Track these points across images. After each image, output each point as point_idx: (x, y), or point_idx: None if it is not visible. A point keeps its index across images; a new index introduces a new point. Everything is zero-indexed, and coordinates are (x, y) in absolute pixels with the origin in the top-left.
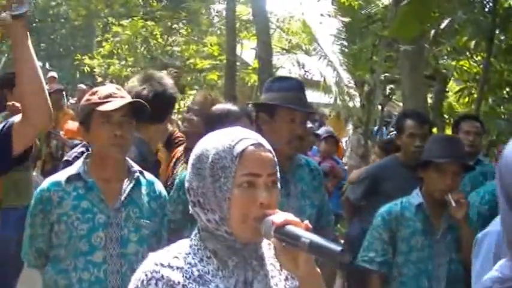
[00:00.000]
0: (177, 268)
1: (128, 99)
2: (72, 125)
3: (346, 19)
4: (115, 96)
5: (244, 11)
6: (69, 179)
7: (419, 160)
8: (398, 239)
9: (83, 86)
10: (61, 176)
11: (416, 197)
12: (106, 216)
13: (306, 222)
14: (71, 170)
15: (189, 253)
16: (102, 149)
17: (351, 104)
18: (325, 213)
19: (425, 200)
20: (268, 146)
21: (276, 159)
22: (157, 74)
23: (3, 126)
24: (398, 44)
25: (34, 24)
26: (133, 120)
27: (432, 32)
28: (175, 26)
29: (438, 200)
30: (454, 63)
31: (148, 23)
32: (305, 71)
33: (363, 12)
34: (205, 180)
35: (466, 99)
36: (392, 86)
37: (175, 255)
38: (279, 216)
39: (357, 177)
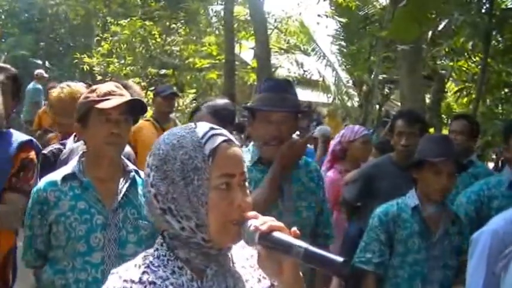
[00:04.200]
0: (149, 283)
1: (127, 97)
2: None
3: (344, 20)
4: (114, 94)
5: (242, 12)
6: (64, 179)
7: (412, 160)
8: (395, 241)
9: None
10: (56, 175)
11: (412, 199)
12: (104, 217)
13: (294, 228)
14: (66, 169)
15: (159, 265)
16: (97, 147)
17: (349, 104)
18: (324, 222)
19: (421, 202)
20: (236, 141)
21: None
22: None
23: None
24: (396, 44)
25: (33, 24)
26: (131, 119)
27: (430, 33)
28: (173, 26)
29: (434, 201)
30: (452, 63)
31: (147, 22)
32: (304, 71)
33: (360, 13)
34: (175, 184)
35: (465, 99)
36: (390, 85)
37: (144, 270)
38: (261, 222)
39: (351, 177)
